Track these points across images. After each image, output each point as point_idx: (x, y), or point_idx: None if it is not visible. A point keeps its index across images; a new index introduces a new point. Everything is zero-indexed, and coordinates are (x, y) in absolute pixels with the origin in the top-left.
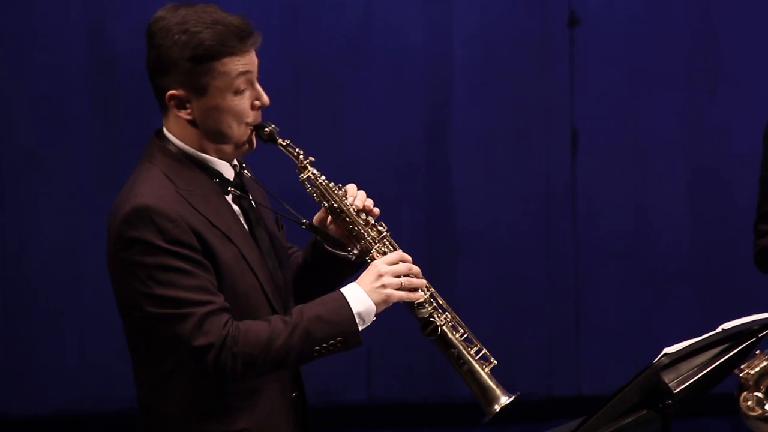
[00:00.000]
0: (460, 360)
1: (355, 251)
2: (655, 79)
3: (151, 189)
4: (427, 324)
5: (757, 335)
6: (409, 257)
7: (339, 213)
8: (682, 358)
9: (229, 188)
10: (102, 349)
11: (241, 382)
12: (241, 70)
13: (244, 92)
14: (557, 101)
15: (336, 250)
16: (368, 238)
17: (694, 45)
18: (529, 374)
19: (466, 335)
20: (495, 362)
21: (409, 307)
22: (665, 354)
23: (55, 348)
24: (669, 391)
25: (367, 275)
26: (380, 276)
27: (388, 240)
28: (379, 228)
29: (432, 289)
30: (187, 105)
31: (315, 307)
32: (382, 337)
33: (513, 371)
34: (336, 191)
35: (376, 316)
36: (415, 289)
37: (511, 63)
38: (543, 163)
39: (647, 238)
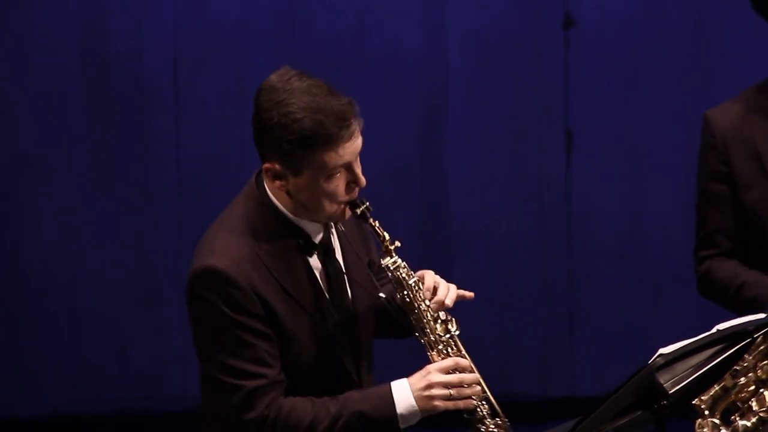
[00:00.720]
0: None
1: (421, 341)
2: (651, 81)
3: (228, 248)
4: (474, 430)
5: (752, 335)
6: (466, 363)
7: (411, 307)
8: (677, 359)
9: (313, 250)
10: (100, 349)
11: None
12: (339, 162)
13: (340, 175)
14: (552, 102)
15: (409, 330)
16: (432, 337)
17: (690, 46)
18: (523, 375)
19: None
20: None
21: (459, 411)
22: (660, 354)
23: (52, 348)
24: (664, 391)
25: (419, 379)
26: (430, 385)
27: (453, 341)
28: (448, 326)
29: (487, 393)
30: (282, 179)
31: (360, 402)
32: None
33: (508, 372)
34: (412, 284)
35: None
36: (464, 398)
37: (506, 64)
38: (538, 164)
39: (642, 239)
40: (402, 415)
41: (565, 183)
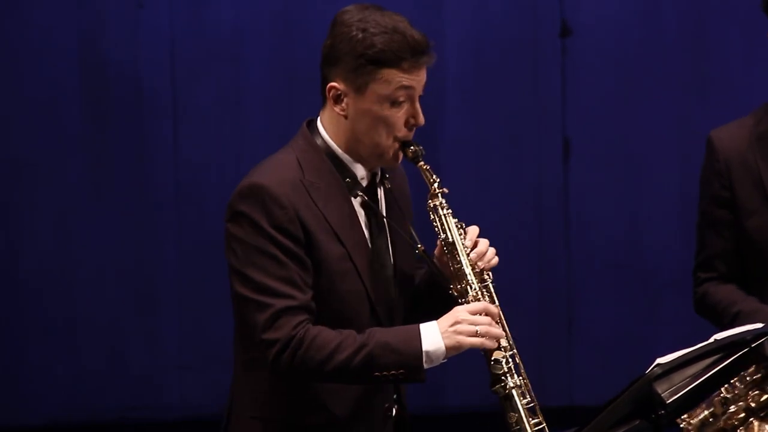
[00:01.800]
0: (517, 426)
1: (455, 291)
2: (647, 88)
3: (276, 171)
4: (497, 381)
5: (749, 345)
6: (495, 310)
7: (451, 249)
8: (674, 369)
9: (358, 192)
10: (95, 356)
11: (296, 381)
12: (404, 83)
13: (402, 105)
14: (549, 110)
15: (442, 284)
16: (468, 281)
17: (687, 54)
18: None
19: (532, 404)
20: None
21: (486, 360)
22: (658, 364)
23: (49, 355)
24: (662, 401)
25: (447, 317)
26: (457, 322)
27: (488, 290)
28: (484, 276)
29: (514, 350)
30: (344, 100)
31: (387, 334)
32: None
33: None
34: (456, 228)
35: (446, 359)
36: (491, 340)
37: (503, 72)
38: (535, 171)
39: (639, 247)
40: (427, 352)
41: (562, 190)
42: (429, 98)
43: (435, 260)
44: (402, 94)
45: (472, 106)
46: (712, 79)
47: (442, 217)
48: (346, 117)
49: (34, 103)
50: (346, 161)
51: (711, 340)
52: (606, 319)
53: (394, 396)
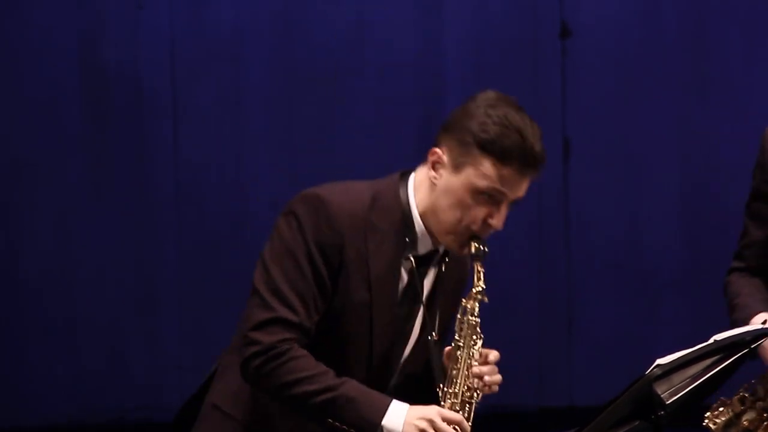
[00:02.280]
0: None
1: (440, 390)
2: (648, 89)
3: (348, 195)
4: None
5: (749, 346)
6: (467, 428)
7: (456, 355)
8: (674, 369)
9: (411, 255)
10: (95, 356)
11: (256, 391)
12: (498, 184)
13: (488, 201)
14: (549, 110)
15: (433, 376)
16: (455, 390)
17: (687, 54)
18: (519, 384)
19: None
20: None
21: None
22: (658, 365)
23: (49, 357)
24: (661, 402)
25: (420, 409)
26: (426, 419)
27: (469, 406)
28: (473, 393)
29: None
30: (440, 170)
31: (358, 390)
32: None
33: (504, 381)
34: (474, 336)
35: None
36: None
37: (502, 73)
38: None
39: (640, 247)
40: (384, 427)
41: (562, 190)
42: (429, 99)
43: (439, 354)
44: (493, 192)
45: None
46: (712, 79)
47: (466, 321)
48: (435, 186)
49: (34, 103)
50: (416, 224)
51: (711, 340)
52: (606, 319)
53: None
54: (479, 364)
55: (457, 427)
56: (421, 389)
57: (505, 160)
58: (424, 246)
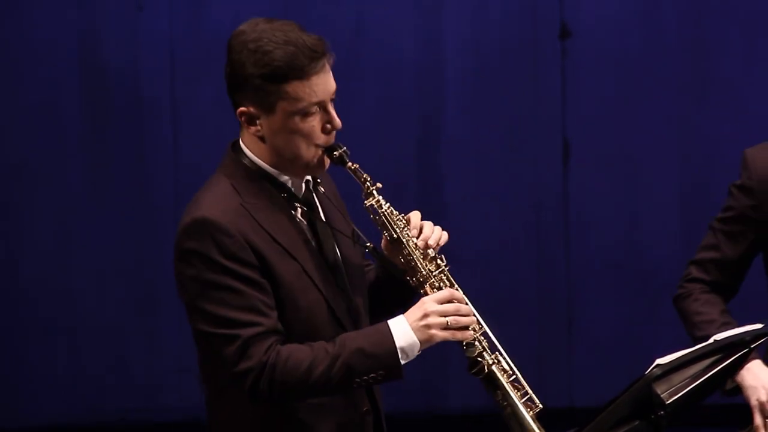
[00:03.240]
0: (504, 402)
1: (412, 282)
2: (647, 90)
3: (215, 201)
4: (475, 363)
5: (749, 346)
6: (460, 295)
7: (398, 244)
8: (674, 369)
9: (296, 204)
10: (95, 358)
11: (278, 405)
12: (311, 96)
13: (315, 114)
14: (549, 112)
15: (396, 276)
16: (423, 272)
17: (686, 55)
18: None
19: (514, 377)
20: (541, 406)
21: (459, 345)
22: (657, 365)
23: (50, 358)
24: (661, 402)
25: (415, 311)
26: (426, 315)
27: (444, 275)
28: (438, 262)
29: (485, 328)
30: (257, 122)
31: (358, 339)
32: None
33: None
34: (398, 222)
35: (420, 351)
36: (462, 329)
37: (502, 74)
38: (535, 173)
39: (639, 248)
40: (402, 348)
41: (562, 192)
42: (429, 100)
43: (385, 255)
44: (313, 107)
45: (472, 108)
46: (712, 79)
47: (382, 214)
48: (262, 138)
49: (35, 105)
50: (276, 176)
51: (710, 340)
52: (606, 319)
53: (368, 399)
54: (418, 235)
55: (452, 299)
56: (382, 295)
57: (297, 72)
58: (297, 190)
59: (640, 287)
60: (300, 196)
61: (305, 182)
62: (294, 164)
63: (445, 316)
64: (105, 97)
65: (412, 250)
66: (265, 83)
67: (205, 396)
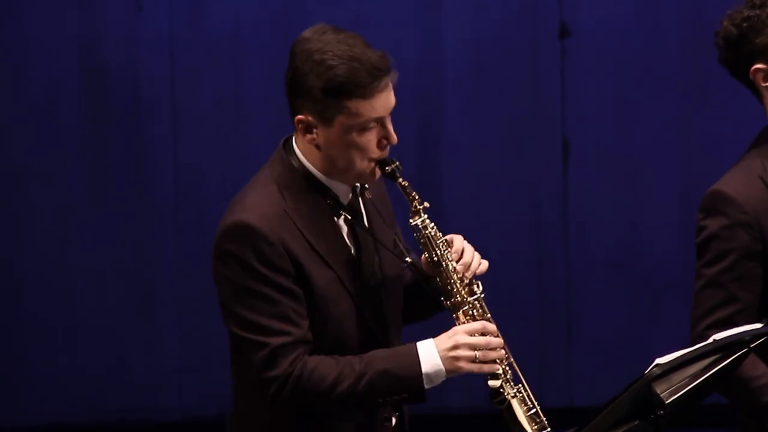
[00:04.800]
0: None
1: (446, 304)
2: (647, 90)
3: (259, 204)
4: (497, 394)
5: (748, 346)
6: (492, 327)
7: (437, 267)
8: (674, 369)
9: (341, 212)
10: (95, 358)
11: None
12: (370, 113)
13: (372, 129)
14: (549, 112)
15: (431, 296)
16: (459, 298)
17: (686, 55)
18: None
19: (534, 410)
20: None
21: (483, 375)
22: (657, 364)
23: (49, 358)
24: (661, 401)
25: (445, 340)
26: (456, 347)
27: (479, 302)
28: (474, 288)
29: (511, 359)
30: (314, 131)
31: (385, 360)
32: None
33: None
34: (440, 244)
35: (445, 378)
36: (489, 362)
37: (502, 74)
38: (534, 172)
39: (639, 248)
40: (427, 374)
41: (561, 191)
42: (428, 100)
43: (424, 272)
44: (371, 122)
45: (472, 108)
46: (712, 80)
47: (425, 236)
48: (317, 146)
49: (34, 106)
50: (324, 182)
51: (710, 340)
52: (605, 320)
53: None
54: (459, 262)
55: (485, 332)
56: (415, 303)
57: (359, 90)
58: (343, 196)
59: (639, 287)
60: (345, 204)
61: (353, 188)
62: (345, 174)
63: (474, 349)
64: (104, 98)
65: (450, 274)
66: (325, 97)
67: (232, 388)
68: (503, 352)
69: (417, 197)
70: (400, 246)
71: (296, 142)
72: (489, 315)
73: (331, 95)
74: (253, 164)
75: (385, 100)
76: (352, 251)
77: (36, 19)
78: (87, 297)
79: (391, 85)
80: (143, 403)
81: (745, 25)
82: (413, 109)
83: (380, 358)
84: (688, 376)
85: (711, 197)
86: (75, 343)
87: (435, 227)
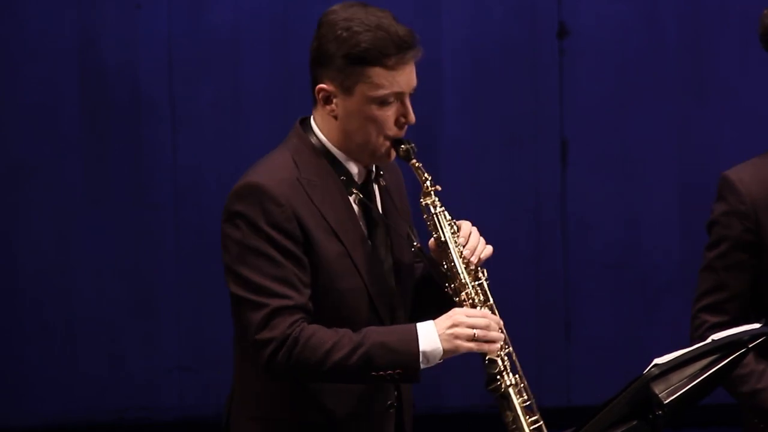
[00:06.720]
0: (513, 425)
1: (450, 290)
2: (645, 90)
3: (272, 170)
4: (493, 380)
5: (747, 346)
6: (495, 317)
7: (444, 248)
8: (672, 369)
9: (353, 189)
10: (93, 358)
11: (291, 381)
12: (392, 86)
13: (391, 105)
14: (547, 111)
15: (437, 279)
16: (462, 281)
17: (684, 56)
18: None
19: (529, 402)
20: None
21: (482, 359)
22: (655, 365)
23: (48, 358)
24: (659, 401)
25: (444, 319)
26: (455, 324)
27: (481, 288)
28: (478, 274)
29: (510, 348)
30: (334, 101)
31: (384, 334)
32: None
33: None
34: (449, 226)
35: (442, 360)
36: (488, 342)
37: (500, 74)
38: (533, 172)
39: (637, 249)
40: (424, 352)
41: (559, 192)
42: (427, 100)
43: (431, 257)
44: (391, 96)
45: (470, 108)
46: (710, 80)
47: (435, 216)
48: (336, 117)
49: (33, 104)
50: (340, 159)
51: (708, 340)
52: (604, 320)
53: (395, 393)
54: (464, 245)
55: (485, 318)
56: (423, 295)
57: (382, 59)
58: (358, 175)
59: (638, 287)
60: (359, 183)
61: (368, 172)
62: (361, 150)
63: (473, 329)
64: (103, 96)
65: (456, 257)
66: (348, 64)
67: (234, 368)
68: (503, 335)
69: (430, 179)
70: (411, 233)
71: (314, 118)
72: (492, 302)
73: (354, 62)
74: (253, 163)
75: (408, 76)
76: (363, 230)
77: (34, 17)
78: (86, 297)
79: (413, 63)
80: (142, 403)
81: None
82: (413, 108)
83: (378, 331)
84: (687, 377)
85: (721, 181)
86: (74, 343)
87: (445, 210)
